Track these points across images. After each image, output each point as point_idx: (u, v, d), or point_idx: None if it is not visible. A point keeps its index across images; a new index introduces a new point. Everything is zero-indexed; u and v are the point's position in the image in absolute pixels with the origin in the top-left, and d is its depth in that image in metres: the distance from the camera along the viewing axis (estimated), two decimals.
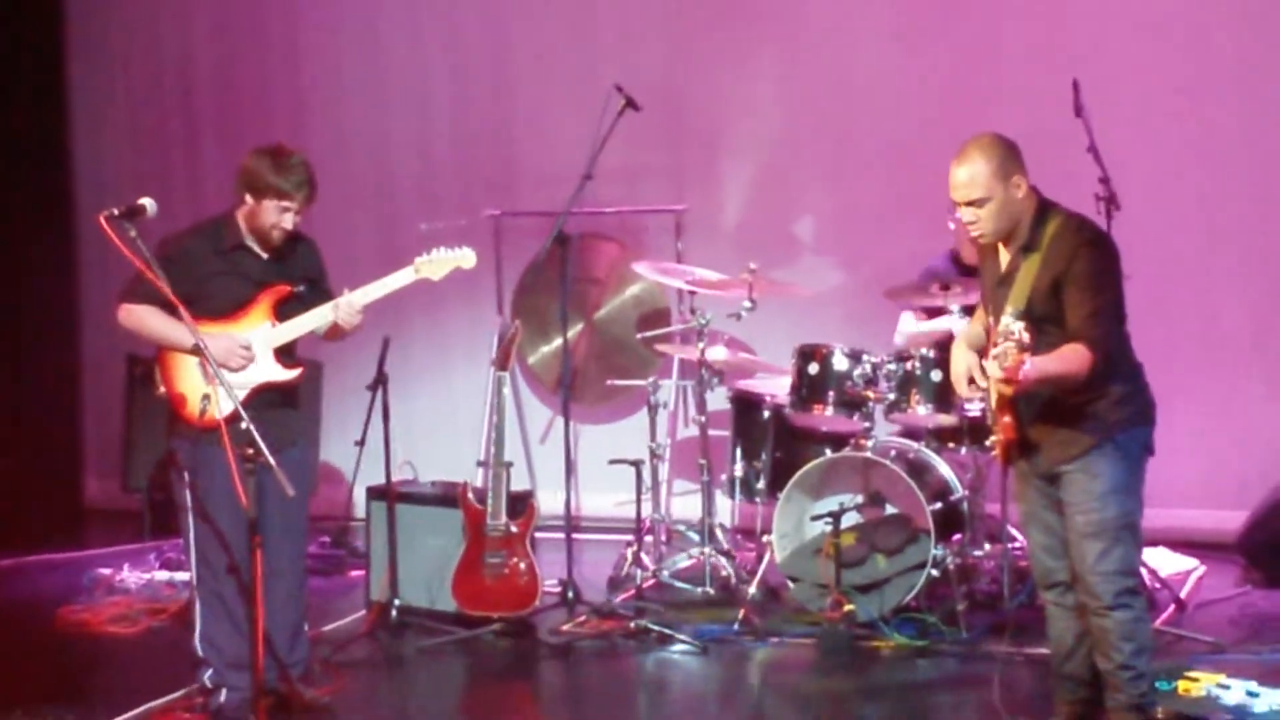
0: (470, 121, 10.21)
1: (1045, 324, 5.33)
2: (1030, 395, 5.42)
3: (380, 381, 7.84)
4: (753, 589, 7.70)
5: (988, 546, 7.75)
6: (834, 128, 9.48)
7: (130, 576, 8.87)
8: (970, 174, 5.49)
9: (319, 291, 6.42)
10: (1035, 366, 5.15)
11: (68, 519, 10.64)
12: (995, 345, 5.13)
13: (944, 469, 7.77)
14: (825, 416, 7.78)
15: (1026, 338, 5.07)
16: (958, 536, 7.64)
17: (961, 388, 5.76)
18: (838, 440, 7.87)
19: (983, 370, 5.51)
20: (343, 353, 8.22)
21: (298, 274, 6.36)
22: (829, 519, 7.39)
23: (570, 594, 7.92)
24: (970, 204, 5.52)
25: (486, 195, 9.94)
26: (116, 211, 5.70)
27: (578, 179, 7.71)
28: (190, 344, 5.87)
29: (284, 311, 6.29)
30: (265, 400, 6.18)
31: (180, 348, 6.07)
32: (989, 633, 7.23)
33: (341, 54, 10.51)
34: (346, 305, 6.31)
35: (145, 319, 6.12)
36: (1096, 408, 5.46)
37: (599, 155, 7.65)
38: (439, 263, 6.50)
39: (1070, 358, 5.30)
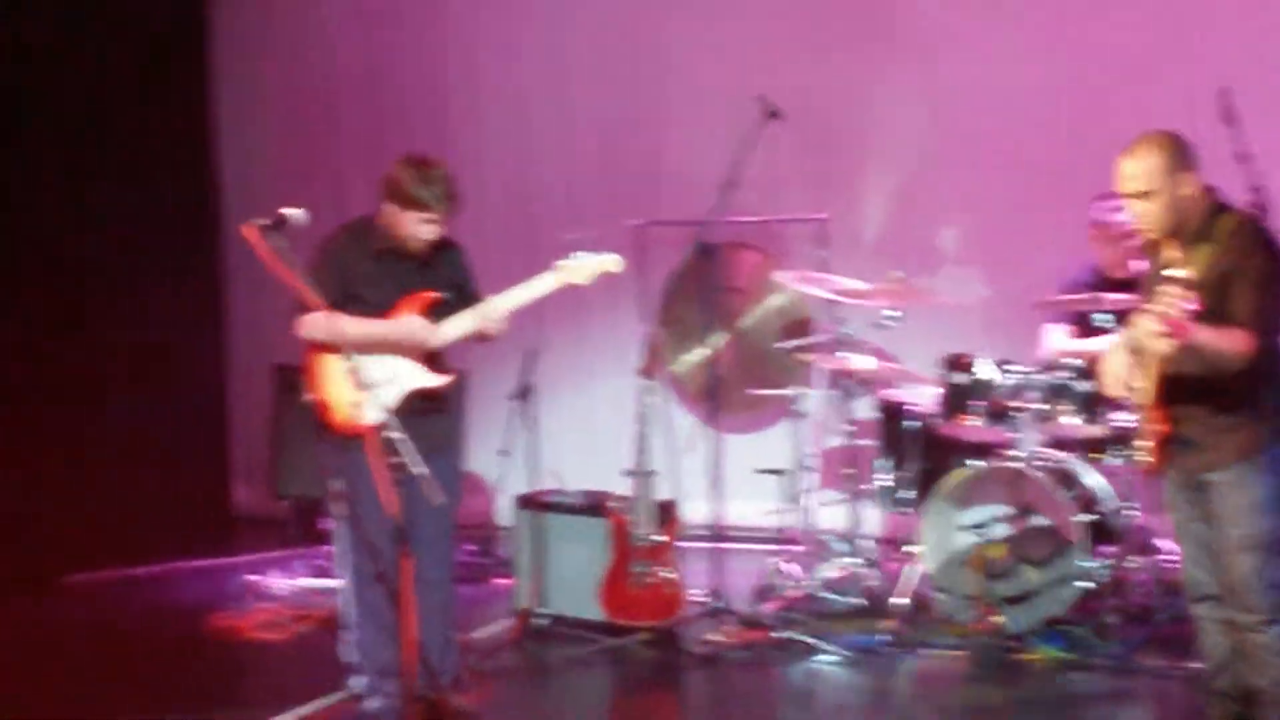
0: (612, 131, 10.27)
1: (1207, 318, 5.28)
2: (1182, 385, 5.38)
3: (525, 391, 7.94)
4: (900, 600, 7.70)
5: (1138, 558, 7.69)
6: (977, 136, 9.43)
7: (279, 583, 9.02)
8: (1139, 167, 5.48)
9: (466, 297, 6.50)
10: (1197, 328, 5.12)
11: (217, 526, 10.79)
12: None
13: (1093, 480, 7.72)
14: (973, 427, 7.76)
15: (1192, 295, 5.03)
16: (1107, 548, 7.59)
17: (1113, 387, 5.73)
18: (985, 450, 7.84)
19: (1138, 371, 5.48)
20: (486, 362, 8.33)
21: (444, 280, 6.45)
22: (977, 530, 7.38)
23: (717, 604, 7.95)
24: (1137, 197, 5.51)
25: (629, 205, 9.97)
26: (264, 222, 5.79)
27: (720, 188, 7.75)
28: (380, 335, 6.04)
29: (432, 317, 6.39)
30: (414, 407, 6.26)
31: (353, 343, 6.16)
32: (1140, 646, 7.18)
33: (484, 62, 10.61)
34: (492, 311, 6.39)
35: (323, 321, 6.20)
36: (1248, 416, 5.42)
37: (742, 165, 7.67)
38: (583, 268, 6.54)
39: (1231, 336, 5.27)
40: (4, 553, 9.22)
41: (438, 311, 6.39)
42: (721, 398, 8.62)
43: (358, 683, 6.42)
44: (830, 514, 8.76)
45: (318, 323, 6.17)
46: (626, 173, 10.19)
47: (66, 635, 8.28)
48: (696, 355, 9.52)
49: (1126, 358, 5.62)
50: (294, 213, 5.80)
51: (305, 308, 6.13)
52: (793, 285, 8.66)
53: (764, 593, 8.22)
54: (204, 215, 11.09)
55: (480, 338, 6.47)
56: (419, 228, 6.29)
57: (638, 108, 10.22)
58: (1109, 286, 7.66)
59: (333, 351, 6.22)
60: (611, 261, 6.57)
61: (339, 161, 10.88)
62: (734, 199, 7.76)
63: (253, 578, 9.10)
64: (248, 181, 11.17)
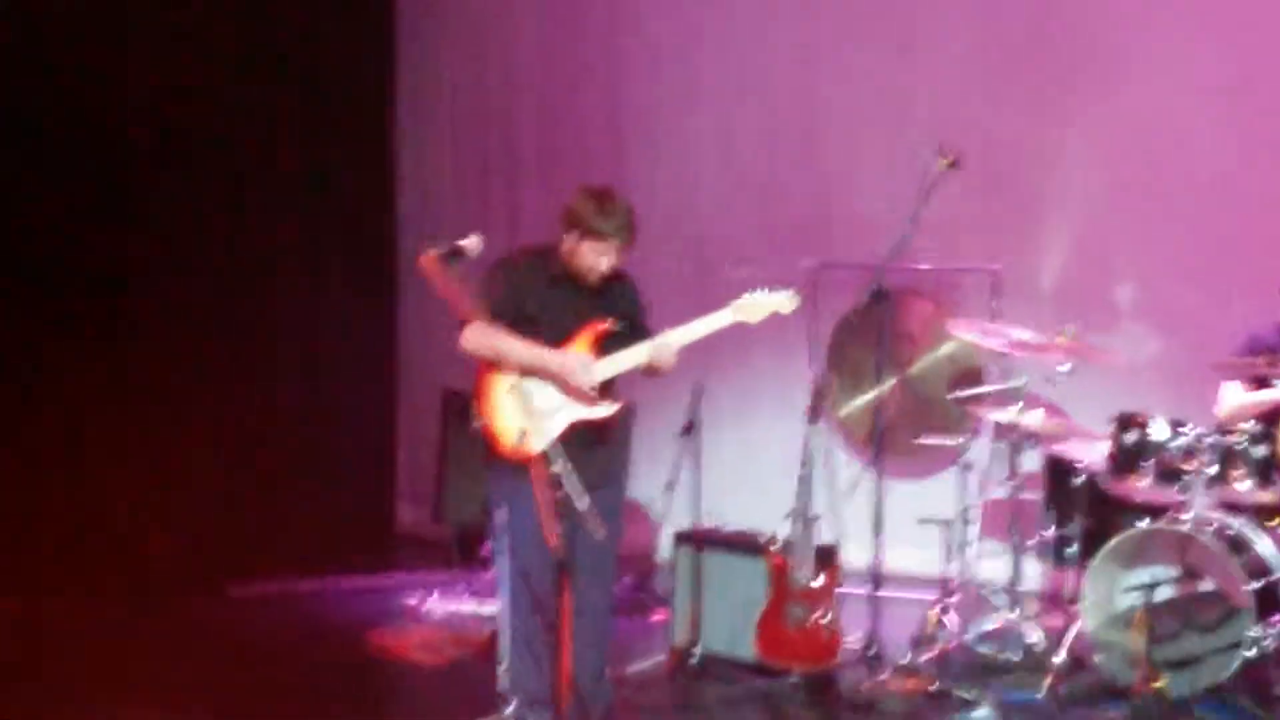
0: (787, 171, 10.28)
1: None
2: None
3: (692, 427, 7.97)
4: (1059, 656, 7.60)
5: None
6: (1158, 187, 9.32)
7: (438, 605, 9.11)
8: None
9: (638, 329, 6.55)
10: None
11: (379, 545, 10.91)
12: None
13: (1265, 546, 7.58)
14: (1142, 487, 7.65)
15: None
16: (1277, 617, 7.44)
17: None
18: (1153, 511, 7.73)
19: None
20: (656, 394, 8.35)
21: (617, 311, 6.51)
22: (1142, 590, 7.27)
23: (873, 651, 7.91)
24: None
25: (801, 245, 9.97)
26: (441, 250, 5.87)
27: (893, 230, 7.72)
28: (539, 363, 6.12)
29: (603, 348, 6.44)
30: (580, 438, 6.30)
31: (517, 361, 6.24)
32: None
33: (659, 99, 10.68)
34: (664, 345, 6.43)
35: (485, 334, 6.28)
36: None
37: (919, 210, 7.64)
38: (757, 306, 6.56)
39: None
40: (172, 556, 9.44)
41: (609, 342, 6.44)
42: (887, 444, 8.57)
43: (511, 710, 6.45)
44: (991, 566, 8.68)
45: (479, 334, 6.25)
46: (801, 213, 10.19)
47: (225, 643, 8.43)
48: (864, 400, 9.48)
49: None
50: (469, 243, 5.90)
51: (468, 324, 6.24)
52: (965, 335, 8.60)
53: (921, 642, 8.15)
54: (380, 238, 11.26)
55: (650, 372, 6.51)
56: (597, 259, 6.37)
57: (814, 148, 10.22)
58: None
59: (493, 369, 6.29)
60: (786, 300, 6.58)
61: (515, 195, 11.01)
62: (910, 244, 7.74)
63: (412, 599, 9.18)
64: (424, 207, 11.32)
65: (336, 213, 10.82)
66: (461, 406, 6.67)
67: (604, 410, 6.42)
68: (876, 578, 8.09)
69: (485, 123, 11.27)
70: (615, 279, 6.51)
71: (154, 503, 9.77)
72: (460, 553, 9.84)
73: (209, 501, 9.98)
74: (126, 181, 9.96)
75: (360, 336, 11.02)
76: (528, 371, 6.27)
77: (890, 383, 9.36)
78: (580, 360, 6.34)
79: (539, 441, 5.95)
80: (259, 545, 9.89)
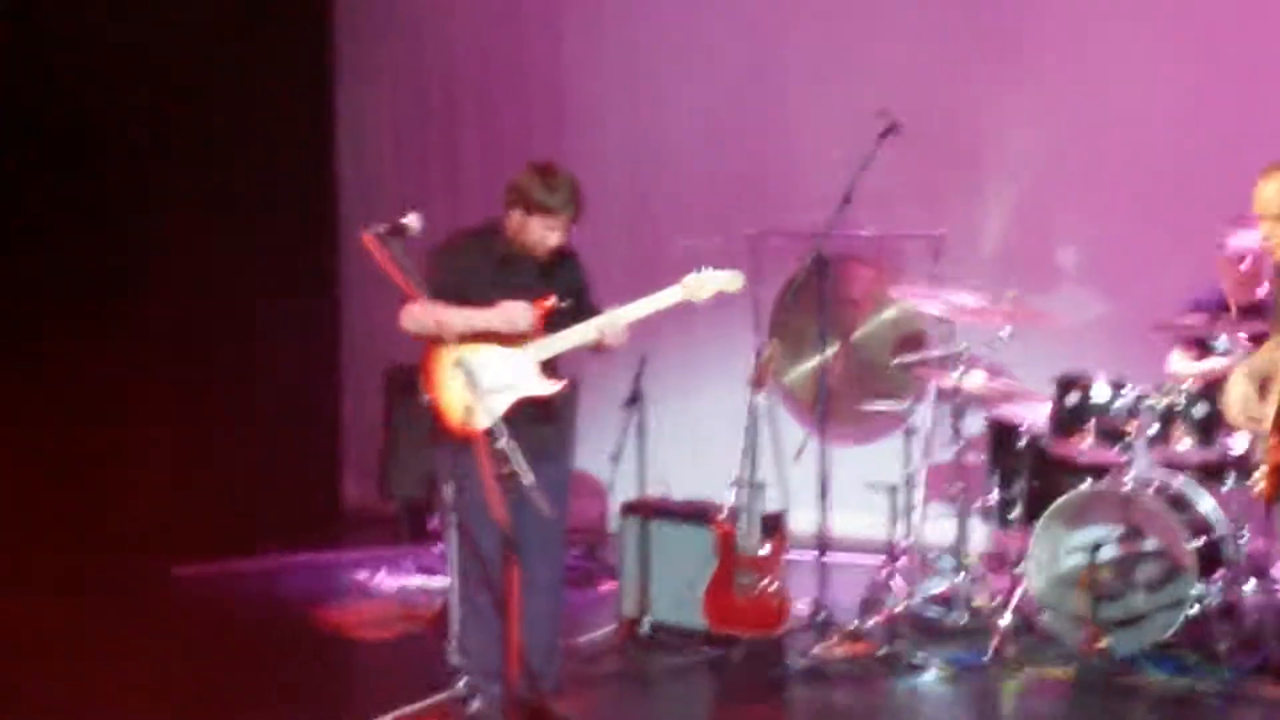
0: (728, 140, 10.27)
1: None
2: None
3: (636, 398, 7.99)
4: (1006, 618, 7.67)
5: (1251, 584, 7.61)
6: (1099, 153, 9.36)
7: (386, 581, 9.12)
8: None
9: (584, 307, 6.56)
10: None
11: (326, 521, 10.89)
12: None
13: (1206, 504, 7.66)
14: (1084, 447, 7.71)
15: None
16: (1219, 574, 7.52)
17: (1235, 416, 5.69)
18: (1096, 471, 7.80)
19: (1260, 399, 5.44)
20: (598, 367, 8.36)
21: (563, 288, 6.51)
22: (1086, 551, 7.34)
23: (822, 617, 7.96)
24: (1274, 220, 5.48)
25: (743, 214, 9.98)
26: (382, 229, 5.87)
27: (836, 199, 7.74)
28: (481, 323, 6.13)
29: (548, 325, 6.45)
30: (525, 414, 6.31)
31: (455, 335, 6.22)
32: (1251, 674, 7.11)
33: (601, 69, 10.66)
34: (612, 323, 6.44)
35: (424, 313, 6.23)
36: None
37: (859, 178, 7.67)
38: (703, 284, 6.57)
39: None
40: (114, 543, 9.39)
41: (556, 319, 6.44)
42: (832, 410, 8.61)
43: (461, 684, 6.47)
44: (937, 530, 8.74)
45: (417, 312, 6.24)
46: (743, 182, 10.19)
47: (173, 627, 8.39)
48: (808, 366, 9.51)
49: (1249, 385, 5.59)
50: (411, 220, 5.90)
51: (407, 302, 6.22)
52: (907, 300, 8.64)
53: (869, 607, 8.20)
54: (321, 218, 11.23)
55: (599, 348, 6.52)
56: (545, 234, 6.37)
57: (758, 117, 10.21)
58: (1234, 311, 7.61)
59: (438, 346, 6.29)
60: (732, 279, 6.59)
61: (456, 166, 10.98)
62: (851, 212, 7.77)
63: (361, 575, 9.18)
64: (365, 186, 11.29)
65: (278, 192, 10.76)
66: (406, 381, 6.67)
67: (549, 387, 6.44)
68: (823, 544, 8.14)
69: (424, 93, 11.22)
70: (561, 256, 6.52)
71: (96, 484, 9.72)
72: (408, 528, 9.83)
73: (149, 483, 9.91)
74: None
75: (304, 314, 10.95)
76: (472, 338, 6.26)
77: (834, 349, 9.40)
78: (519, 307, 6.33)
79: (484, 418, 5.95)
80: (204, 525, 9.83)
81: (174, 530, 9.68)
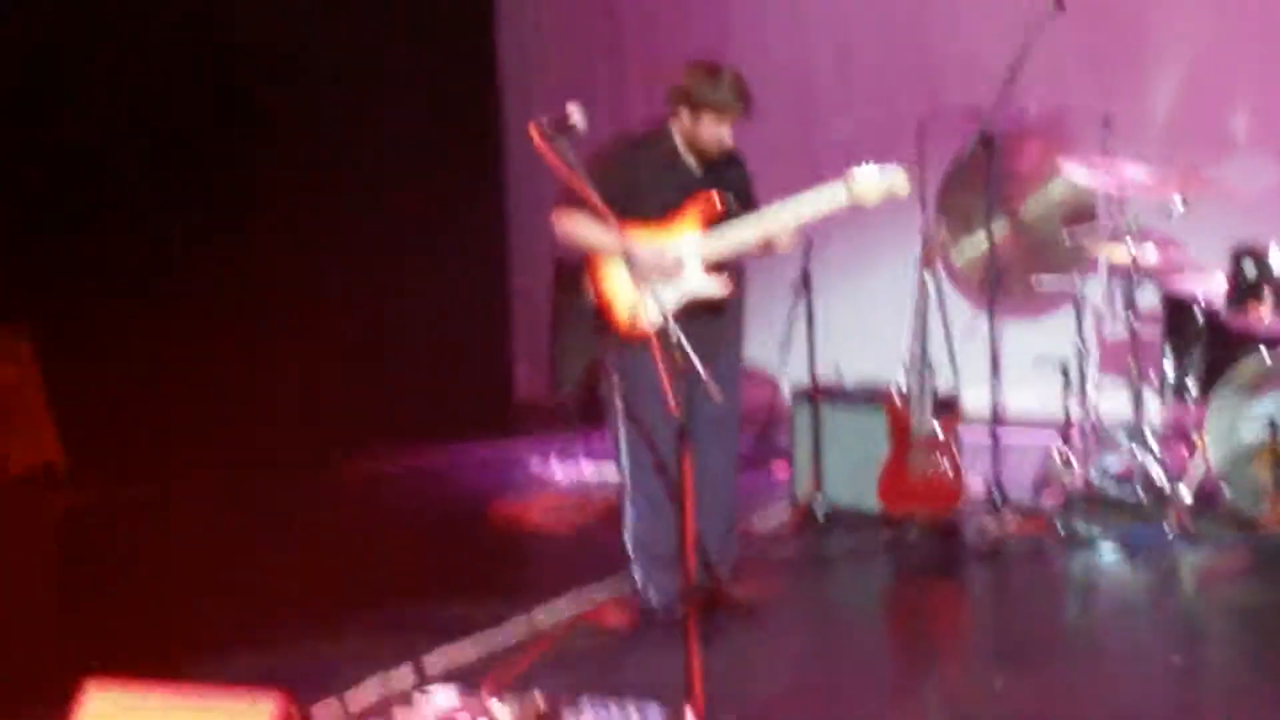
0: (894, 19, 10.20)
1: None
2: None
3: (804, 282, 7.99)
4: (1184, 492, 7.61)
5: None
6: (1270, 11, 9.16)
7: (560, 470, 9.23)
8: None
9: (749, 206, 6.56)
10: None
11: (497, 411, 11.06)
12: None
13: None
14: (1262, 317, 7.60)
15: None
16: None
17: None
18: (1274, 342, 7.68)
19: None
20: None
21: (728, 188, 6.50)
22: (1266, 422, 7.25)
23: (996, 496, 7.95)
24: None
25: (907, 90, 9.92)
26: (546, 121, 5.87)
27: (1000, 73, 7.67)
28: (618, 250, 6.10)
29: (716, 224, 6.44)
30: (694, 310, 6.32)
31: (609, 252, 6.30)
32: None
33: None
34: (780, 222, 6.43)
35: (577, 227, 6.34)
36: None
37: (1026, 52, 7.57)
38: (870, 187, 6.48)
39: None
40: (285, 431, 9.59)
41: (723, 220, 6.44)
42: (1002, 286, 8.54)
43: (636, 572, 6.55)
44: (1111, 404, 8.68)
45: (569, 225, 6.30)
46: (907, 61, 10.12)
47: (349, 519, 8.56)
48: (976, 244, 9.45)
49: None
50: (573, 112, 5.85)
51: (563, 202, 6.26)
52: (1076, 173, 8.53)
53: (1043, 484, 8.19)
54: (486, 106, 11.32)
55: (764, 250, 6.52)
56: (716, 131, 6.37)
57: None
58: None
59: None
60: (900, 182, 6.49)
61: (621, 65, 10.98)
62: (1018, 87, 7.67)
63: (533, 464, 9.29)
64: (527, 79, 11.32)
65: (441, 87, 10.86)
66: (571, 277, 6.71)
67: (717, 287, 6.44)
68: (996, 421, 8.10)
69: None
70: (727, 158, 6.52)
71: (267, 379, 9.90)
72: (580, 414, 9.92)
73: (322, 372, 10.08)
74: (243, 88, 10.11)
75: (470, 205, 11.09)
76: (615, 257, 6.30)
77: (1002, 225, 9.32)
78: (658, 255, 6.32)
79: (653, 315, 5.99)
80: (375, 416, 10.02)
81: (347, 422, 9.86)
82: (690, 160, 6.47)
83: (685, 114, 6.40)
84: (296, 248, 10.09)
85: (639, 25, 10.98)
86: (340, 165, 10.38)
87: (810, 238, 7.89)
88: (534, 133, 5.71)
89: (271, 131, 10.07)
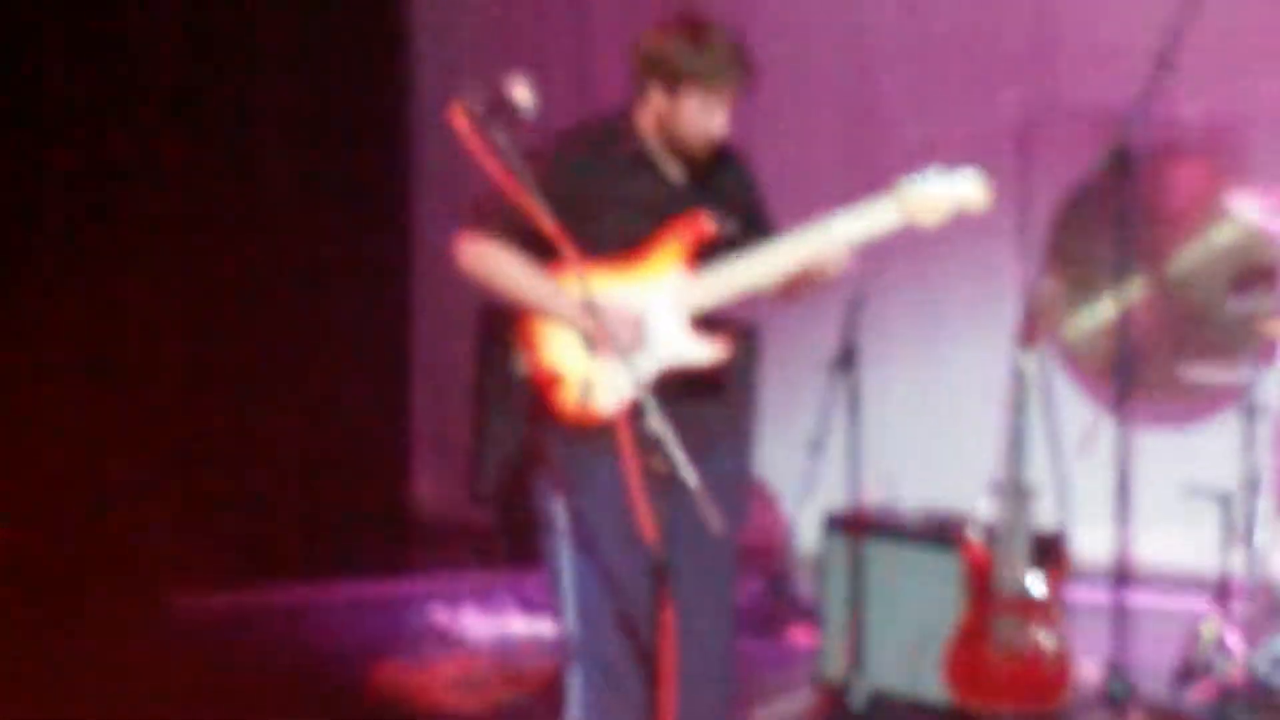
0: None
1: None
2: None
3: (848, 359, 7.94)
4: None
5: None
6: None
7: (476, 623, 9.20)
8: None
9: (756, 228, 6.49)
10: None
11: (389, 534, 11.12)
12: None
13: None
14: None
15: None
16: None
17: None
18: None
19: None
20: (789, 313, 8.32)
21: (723, 203, 6.42)
22: None
23: (1119, 685, 7.91)
24: None
25: (1007, 77, 9.95)
26: (477, 101, 5.79)
27: (1148, 61, 7.64)
28: (561, 308, 6.00)
29: (705, 258, 6.37)
30: (675, 388, 6.22)
31: (543, 311, 6.19)
32: None
33: None
34: (831, 233, 6.32)
35: (498, 263, 6.23)
36: None
37: (1183, 30, 7.56)
38: (935, 199, 6.42)
39: None
40: (103, 563, 9.56)
41: (715, 249, 6.36)
42: (1136, 377, 8.51)
43: None
44: None
45: (489, 256, 6.25)
46: (1005, 32, 10.12)
47: (169, 675, 8.52)
48: (1101, 313, 9.44)
49: None
50: (520, 90, 5.79)
51: (480, 219, 6.23)
52: (1252, 212, 8.51)
53: (1190, 671, 8.17)
54: (389, 76, 11.34)
55: (795, 288, 6.41)
56: (702, 116, 6.26)
57: None
58: None
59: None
60: (974, 191, 6.43)
61: (584, 28, 11.01)
62: (1170, 82, 7.65)
63: (439, 612, 9.24)
64: (449, 50, 11.36)
65: (337, 64, 11.07)
66: (505, 333, 6.64)
67: (709, 352, 6.36)
68: (1122, 577, 8.07)
69: None
70: (718, 156, 6.43)
71: (73, 491, 10.02)
72: (507, 542, 9.86)
73: (146, 486, 10.14)
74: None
75: (361, 234, 11.12)
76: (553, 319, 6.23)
77: (1140, 287, 9.30)
78: (618, 316, 6.23)
79: (619, 393, 5.91)
80: (215, 540, 10.00)
81: (181, 545, 9.87)
82: (666, 163, 6.36)
83: (658, 94, 6.29)
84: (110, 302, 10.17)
85: None
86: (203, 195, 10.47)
87: (859, 294, 7.85)
88: (458, 114, 5.66)
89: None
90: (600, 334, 5.88)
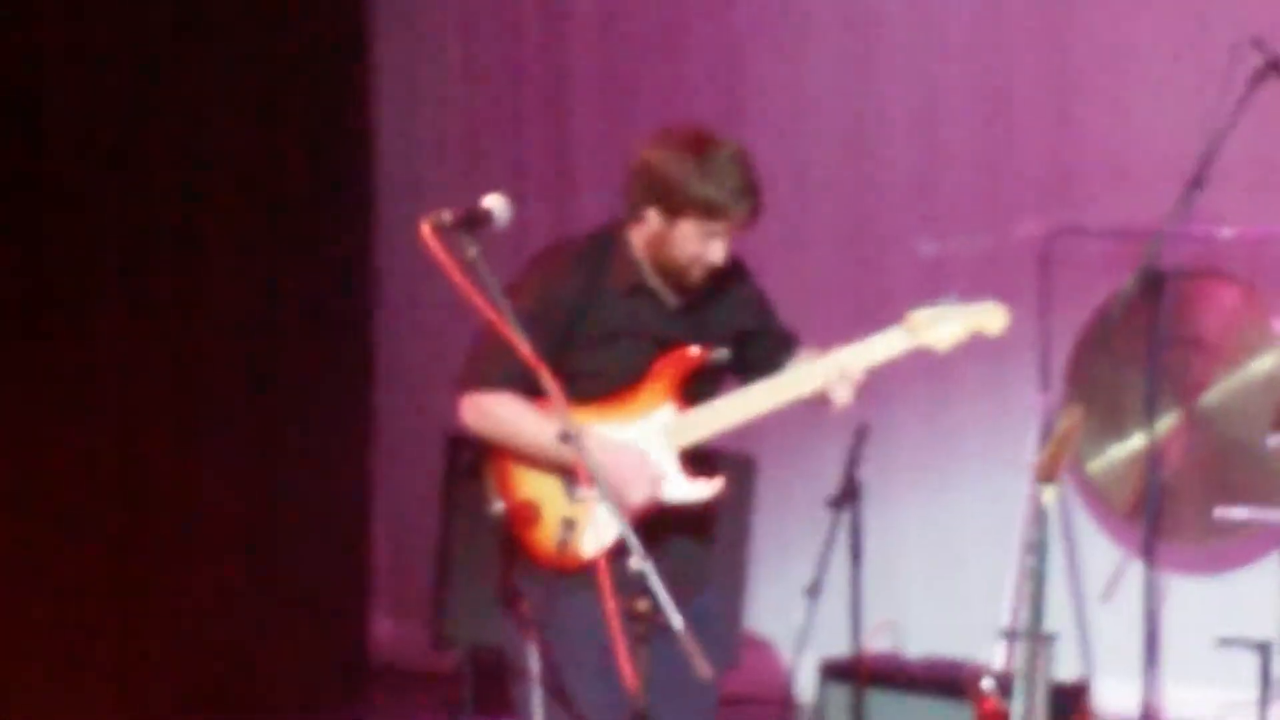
0: (1003, 87, 10.28)
1: None
2: None
3: (849, 494, 7.96)
4: None
5: None
6: None
7: None
8: None
9: (767, 346, 6.54)
10: None
11: (346, 681, 11.05)
12: None
13: None
14: None
15: None
16: None
17: None
18: None
19: None
20: (788, 442, 8.38)
21: (719, 328, 6.45)
22: None
23: None
24: None
25: (1027, 201, 9.99)
26: (449, 217, 5.81)
27: (1179, 181, 7.70)
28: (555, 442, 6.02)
29: (698, 389, 6.39)
30: (661, 526, 6.23)
31: (559, 462, 6.16)
32: None
33: None
34: (837, 369, 6.34)
35: (507, 415, 6.21)
36: None
37: (1218, 145, 7.62)
38: (948, 321, 6.46)
39: None
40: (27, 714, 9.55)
41: (705, 379, 6.41)
42: (1167, 517, 8.55)
43: None
44: None
45: (488, 410, 6.27)
46: (1025, 152, 10.17)
47: None
48: (1128, 448, 9.47)
49: None
50: (495, 203, 5.82)
51: (475, 376, 6.24)
52: None
53: None
54: (350, 211, 11.38)
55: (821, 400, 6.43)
56: (705, 245, 6.26)
57: (1044, 51, 10.21)
58: None
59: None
60: (991, 318, 6.46)
61: (565, 138, 11.07)
62: (1204, 199, 7.71)
63: None
64: (415, 163, 11.43)
65: (301, 169, 11.04)
66: (470, 470, 6.66)
67: (700, 490, 6.39)
68: None
69: (511, 36, 11.36)
70: (719, 276, 6.44)
71: None
72: (474, 695, 9.86)
73: (73, 616, 10.09)
74: None
75: (320, 355, 11.10)
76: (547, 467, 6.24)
77: (1171, 419, 9.34)
78: (635, 462, 6.27)
79: (596, 534, 5.94)
80: (146, 680, 9.98)
81: (110, 687, 9.82)
82: (659, 288, 6.40)
83: (655, 216, 6.28)
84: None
85: (596, 77, 11.04)
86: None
87: (863, 423, 7.88)
88: (427, 231, 5.69)
89: None
90: (614, 476, 5.93)
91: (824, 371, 6.29)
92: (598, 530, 5.94)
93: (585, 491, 5.80)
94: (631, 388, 6.31)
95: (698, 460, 6.37)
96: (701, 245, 6.24)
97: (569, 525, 6.13)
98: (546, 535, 6.24)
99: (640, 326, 6.34)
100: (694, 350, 6.31)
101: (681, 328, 6.36)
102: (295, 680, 10.51)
